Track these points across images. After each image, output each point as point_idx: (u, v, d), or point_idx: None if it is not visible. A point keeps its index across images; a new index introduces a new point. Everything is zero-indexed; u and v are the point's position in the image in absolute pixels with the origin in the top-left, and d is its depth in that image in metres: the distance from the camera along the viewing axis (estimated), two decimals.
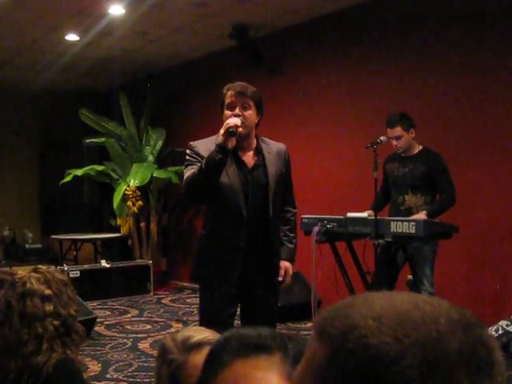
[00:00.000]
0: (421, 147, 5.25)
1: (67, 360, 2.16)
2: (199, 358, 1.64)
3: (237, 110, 3.45)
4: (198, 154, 3.52)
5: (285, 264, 3.69)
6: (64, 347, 2.16)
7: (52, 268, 2.36)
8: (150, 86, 9.91)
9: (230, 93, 3.51)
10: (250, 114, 3.49)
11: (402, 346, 0.67)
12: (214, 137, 3.52)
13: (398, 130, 5.12)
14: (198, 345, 1.76)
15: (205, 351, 1.64)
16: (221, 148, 3.32)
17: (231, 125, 3.29)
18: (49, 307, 2.18)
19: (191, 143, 3.62)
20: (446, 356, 0.68)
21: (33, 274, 2.25)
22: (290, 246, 3.73)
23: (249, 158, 3.60)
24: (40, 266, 2.35)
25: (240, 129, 3.34)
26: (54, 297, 2.21)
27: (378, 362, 0.67)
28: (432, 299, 0.76)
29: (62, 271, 2.33)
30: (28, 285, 2.19)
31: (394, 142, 5.17)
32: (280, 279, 3.67)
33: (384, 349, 0.67)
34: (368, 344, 0.68)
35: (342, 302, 0.76)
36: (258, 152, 3.61)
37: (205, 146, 3.54)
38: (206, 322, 3.55)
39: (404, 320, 0.70)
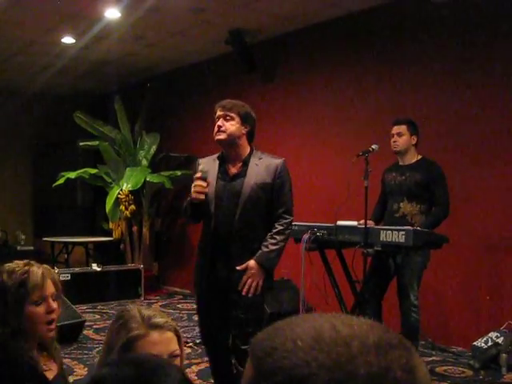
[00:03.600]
0: (420, 157, 5.24)
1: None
2: (158, 338, 1.83)
3: (219, 122, 3.86)
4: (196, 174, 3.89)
5: (249, 262, 3.79)
6: None
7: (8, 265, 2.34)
8: (147, 88, 9.91)
9: (216, 108, 3.95)
10: (232, 124, 3.84)
11: (310, 369, 0.69)
12: (215, 155, 3.97)
13: (403, 128, 5.17)
14: (161, 326, 1.86)
15: (165, 333, 1.85)
16: (190, 204, 3.89)
17: (193, 197, 3.78)
18: None
19: (198, 160, 4.08)
20: (354, 379, 0.68)
21: None
22: (263, 249, 3.82)
23: (234, 168, 3.91)
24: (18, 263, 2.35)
25: (200, 192, 3.76)
26: None
27: None
28: (356, 321, 0.76)
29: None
30: None
31: (394, 139, 5.18)
32: (238, 268, 3.78)
33: (295, 371, 0.69)
34: (283, 366, 0.70)
35: (277, 323, 0.78)
36: (244, 163, 3.88)
37: (205, 165, 3.94)
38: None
39: (318, 342, 0.71)
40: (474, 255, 5.88)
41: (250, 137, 3.95)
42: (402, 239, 4.52)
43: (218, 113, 3.90)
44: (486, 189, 5.81)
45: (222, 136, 3.84)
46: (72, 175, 9.10)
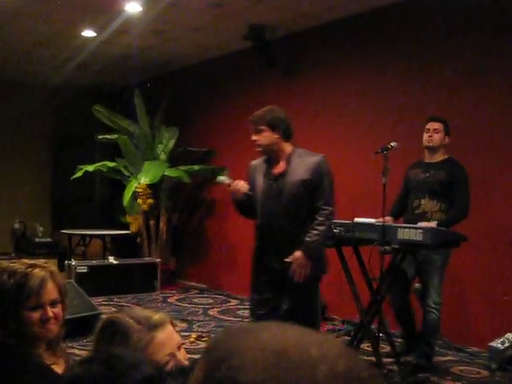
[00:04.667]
0: (446, 156, 5.23)
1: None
2: (164, 336, 1.79)
3: (252, 137, 4.26)
4: (248, 176, 4.41)
5: (295, 253, 4.14)
6: None
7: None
8: (165, 83, 9.93)
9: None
10: (264, 135, 4.22)
11: None
12: (263, 158, 4.38)
13: (440, 126, 5.18)
14: (161, 323, 1.81)
15: (167, 329, 1.80)
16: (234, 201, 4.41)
17: (233, 197, 4.33)
18: None
19: (250, 163, 4.50)
20: None
21: None
22: (306, 239, 4.14)
23: (277, 169, 4.27)
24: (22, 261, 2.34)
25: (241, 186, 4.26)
26: None
27: None
28: (328, 341, 0.68)
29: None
30: None
31: (429, 134, 5.18)
32: (286, 260, 4.15)
33: None
34: (236, 379, 0.63)
35: (240, 325, 0.72)
36: (286, 163, 4.23)
37: (254, 167, 4.42)
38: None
39: (282, 359, 0.64)
40: (492, 255, 5.83)
41: (286, 137, 4.28)
42: (419, 237, 4.50)
43: (251, 127, 4.29)
44: (506, 187, 5.76)
45: (260, 149, 4.27)
46: (90, 168, 9.13)
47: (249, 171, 4.42)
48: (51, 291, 2.27)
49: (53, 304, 2.28)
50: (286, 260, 4.12)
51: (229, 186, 4.28)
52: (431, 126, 5.20)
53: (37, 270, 2.26)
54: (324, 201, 4.17)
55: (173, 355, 1.80)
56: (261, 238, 4.34)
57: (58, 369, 2.35)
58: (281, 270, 4.18)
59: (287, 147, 4.28)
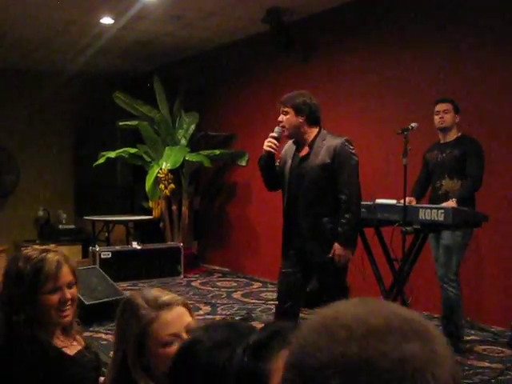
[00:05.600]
0: (459, 134, 5.28)
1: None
2: (169, 316, 1.84)
3: (280, 117, 4.36)
4: (281, 154, 4.57)
5: (334, 246, 4.27)
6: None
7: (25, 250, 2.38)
8: (186, 70, 9.95)
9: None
10: (288, 118, 4.33)
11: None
12: (292, 141, 4.50)
13: (449, 106, 5.25)
14: (168, 304, 1.87)
15: (175, 310, 1.85)
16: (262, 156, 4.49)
17: (265, 149, 4.36)
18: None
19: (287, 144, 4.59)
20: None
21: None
22: (339, 229, 4.26)
23: (303, 152, 4.39)
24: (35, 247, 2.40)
25: (271, 146, 4.34)
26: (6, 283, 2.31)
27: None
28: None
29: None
30: None
31: (440, 116, 5.24)
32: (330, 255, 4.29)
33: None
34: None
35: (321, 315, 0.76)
36: (310, 146, 4.35)
37: (286, 148, 4.54)
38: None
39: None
40: None
41: (311, 121, 4.35)
42: (441, 217, 4.50)
43: (279, 108, 4.39)
44: None
45: (286, 132, 4.39)
46: (112, 155, 9.19)
47: (282, 151, 4.57)
48: (67, 274, 2.33)
49: (69, 286, 2.34)
50: (329, 255, 4.28)
51: (273, 137, 4.35)
52: (440, 107, 5.28)
53: (51, 255, 2.32)
54: (347, 185, 4.26)
55: (177, 336, 1.84)
56: (286, 218, 4.48)
57: (74, 349, 2.40)
58: (302, 248, 4.35)
59: (312, 131, 4.37)
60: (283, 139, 4.49)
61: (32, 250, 2.35)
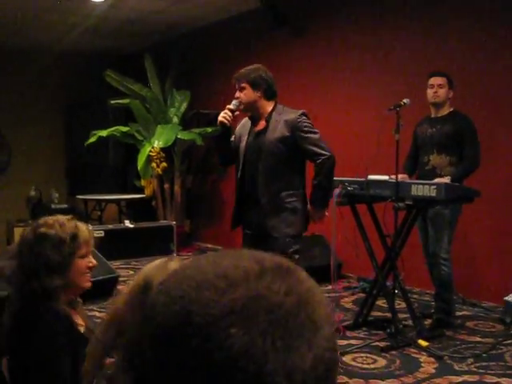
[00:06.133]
0: (451, 109, 5.24)
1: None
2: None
3: (237, 94, 4.33)
4: (236, 129, 4.56)
5: (309, 208, 4.34)
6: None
7: (41, 221, 2.38)
8: (176, 47, 9.89)
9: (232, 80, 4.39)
10: (245, 93, 4.29)
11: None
12: (246, 118, 4.49)
13: (444, 80, 5.18)
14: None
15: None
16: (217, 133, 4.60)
17: (219, 120, 4.29)
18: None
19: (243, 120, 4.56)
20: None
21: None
22: (313, 190, 4.30)
23: (258, 126, 4.36)
24: (44, 219, 2.39)
25: (226, 118, 4.27)
26: (19, 255, 2.31)
27: None
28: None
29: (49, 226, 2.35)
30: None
31: (434, 90, 5.17)
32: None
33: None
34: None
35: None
36: (266, 120, 4.30)
37: (242, 124, 4.52)
38: None
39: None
40: (505, 209, 5.83)
41: (268, 96, 4.32)
42: (433, 193, 4.51)
43: (234, 84, 4.37)
44: None
45: (242, 106, 4.33)
46: (104, 133, 9.16)
47: (238, 126, 4.56)
48: (92, 242, 2.46)
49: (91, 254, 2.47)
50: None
51: (232, 111, 4.28)
52: (435, 81, 5.20)
53: (79, 223, 2.43)
54: (314, 151, 4.24)
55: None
56: (241, 194, 4.45)
57: (81, 328, 2.41)
58: (261, 224, 4.28)
59: (268, 105, 4.33)
60: (240, 115, 4.48)
61: (61, 217, 2.41)
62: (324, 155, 4.22)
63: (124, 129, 9.43)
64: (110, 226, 8.65)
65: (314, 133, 4.27)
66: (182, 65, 9.82)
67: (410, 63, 6.58)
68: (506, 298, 5.35)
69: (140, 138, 9.45)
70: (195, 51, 9.86)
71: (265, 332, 0.65)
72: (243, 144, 4.38)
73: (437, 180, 4.82)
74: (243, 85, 4.30)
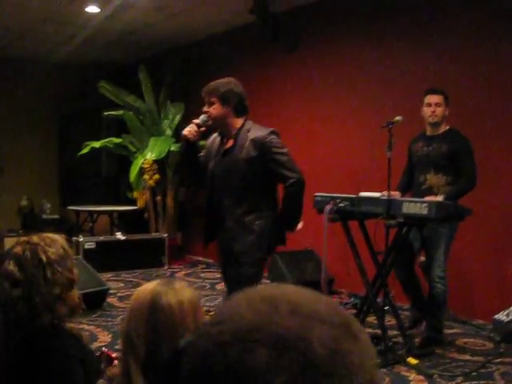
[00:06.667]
0: (447, 127, 5.18)
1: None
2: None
3: (205, 108, 4.10)
4: (207, 146, 4.32)
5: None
6: (33, 330, 2.19)
7: (47, 240, 2.30)
8: (171, 60, 9.90)
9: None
10: (214, 108, 4.05)
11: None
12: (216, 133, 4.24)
13: (441, 98, 5.08)
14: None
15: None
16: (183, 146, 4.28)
17: (183, 134, 4.09)
18: (17, 292, 2.17)
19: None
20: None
21: (17, 251, 2.24)
22: (281, 214, 4.11)
23: (227, 144, 4.11)
24: (34, 238, 2.30)
25: (191, 132, 4.05)
26: (25, 281, 2.18)
27: None
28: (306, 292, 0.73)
29: (53, 242, 2.30)
30: (5, 265, 2.20)
31: (431, 109, 5.08)
32: None
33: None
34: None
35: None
36: (234, 139, 4.06)
37: (212, 140, 4.26)
38: None
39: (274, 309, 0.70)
40: (497, 228, 5.84)
41: (238, 112, 4.08)
42: (424, 211, 4.51)
43: (203, 97, 4.17)
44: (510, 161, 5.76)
45: (210, 122, 4.09)
46: (97, 144, 9.15)
47: (208, 141, 4.31)
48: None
49: None
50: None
51: (196, 124, 4.07)
52: (432, 99, 5.11)
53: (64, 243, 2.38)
54: (285, 174, 3.98)
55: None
56: (209, 216, 4.20)
57: None
58: (229, 249, 4.07)
59: (238, 122, 4.08)
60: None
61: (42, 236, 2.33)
62: (292, 178, 3.97)
63: (117, 140, 9.43)
64: (102, 238, 8.63)
65: (283, 154, 4.00)
66: (177, 77, 9.84)
67: (401, 79, 6.61)
68: (495, 317, 5.35)
69: (133, 149, 9.45)
70: (189, 64, 9.87)
71: (284, 370, 0.64)
72: (211, 163, 4.14)
73: (428, 198, 4.83)
74: (212, 99, 4.07)
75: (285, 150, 4.02)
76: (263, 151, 3.96)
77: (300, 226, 4.30)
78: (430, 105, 5.11)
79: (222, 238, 4.14)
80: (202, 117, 4.09)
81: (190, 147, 4.13)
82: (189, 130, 4.05)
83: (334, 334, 0.67)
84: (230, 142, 4.08)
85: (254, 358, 0.64)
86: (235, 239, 4.02)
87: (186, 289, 1.94)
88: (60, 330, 2.22)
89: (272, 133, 4.04)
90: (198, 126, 4.06)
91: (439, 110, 5.09)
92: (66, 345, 2.21)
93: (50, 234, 2.35)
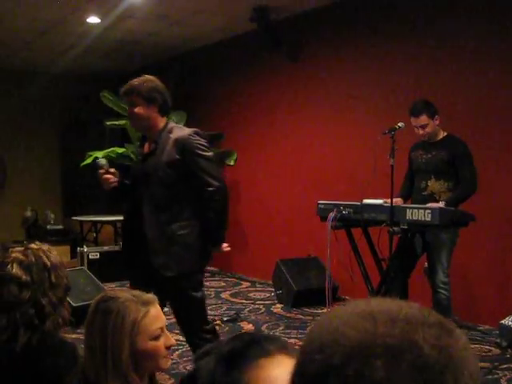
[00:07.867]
0: (445, 133, 5.21)
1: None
2: (155, 311, 1.99)
3: (128, 110, 3.76)
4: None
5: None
6: (41, 332, 2.20)
7: (44, 247, 2.33)
8: (173, 69, 9.91)
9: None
10: (138, 109, 3.68)
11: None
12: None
13: (424, 119, 5.06)
14: (152, 301, 2.02)
15: (157, 306, 2.01)
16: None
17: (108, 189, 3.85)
18: (25, 295, 2.18)
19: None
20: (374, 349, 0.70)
21: (18, 256, 2.25)
22: (203, 227, 3.78)
23: (147, 148, 3.82)
24: (33, 245, 2.32)
25: (109, 179, 3.83)
26: (33, 284, 2.20)
27: None
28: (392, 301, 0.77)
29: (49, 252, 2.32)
30: (7, 269, 2.20)
31: (421, 131, 5.11)
32: None
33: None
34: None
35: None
36: (156, 141, 3.72)
37: (141, 144, 3.95)
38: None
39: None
40: (501, 232, 5.83)
41: (163, 112, 3.78)
42: (428, 218, 4.50)
43: (125, 100, 3.87)
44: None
45: (132, 124, 3.89)
46: (99, 154, 9.13)
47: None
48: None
49: None
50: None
51: (105, 172, 3.84)
52: (415, 122, 5.10)
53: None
54: (205, 180, 3.65)
55: (162, 330, 2.00)
56: (128, 229, 3.87)
57: None
58: (148, 264, 3.65)
59: (160, 124, 3.75)
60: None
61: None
62: (211, 186, 3.65)
63: (120, 150, 9.42)
64: (106, 248, 8.62)
65: (205, 157, 3.67)
66: (179, 86, 9.83)
67: (403, 86, 6.60)
68: (502, 322, 5.33)
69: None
70: (192, 72, 9.88)
71: (404, 376, 0.67)
72: (133, 169, 3.87)
73: (431, 204, 4.82)
74: (134, 99, 3.70)
75: (208, 154, 3.71)
76: (184, 152, 3.64)
77: (225, 246, 3.94)
78: (416, 127, 5.12)
79: (142, 252, 3.68)
80: (102, 161, 3.94)
81: (114, 192, 3.87)
82: (108, 185, 3.83)
83: (435, 332, 0.72)
84: (151, 146, 3.77)
85: (373, 372, 0.67)
86: (156, 251, 3.65)
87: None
88: (60, 334, 2.26)
89: (195, 133, 3.73)
90: (106, 172, 3.83)
91: (428, 129, 5.09)
92: (73, 346, 2.25)
93: (40, 243, 2.37)
